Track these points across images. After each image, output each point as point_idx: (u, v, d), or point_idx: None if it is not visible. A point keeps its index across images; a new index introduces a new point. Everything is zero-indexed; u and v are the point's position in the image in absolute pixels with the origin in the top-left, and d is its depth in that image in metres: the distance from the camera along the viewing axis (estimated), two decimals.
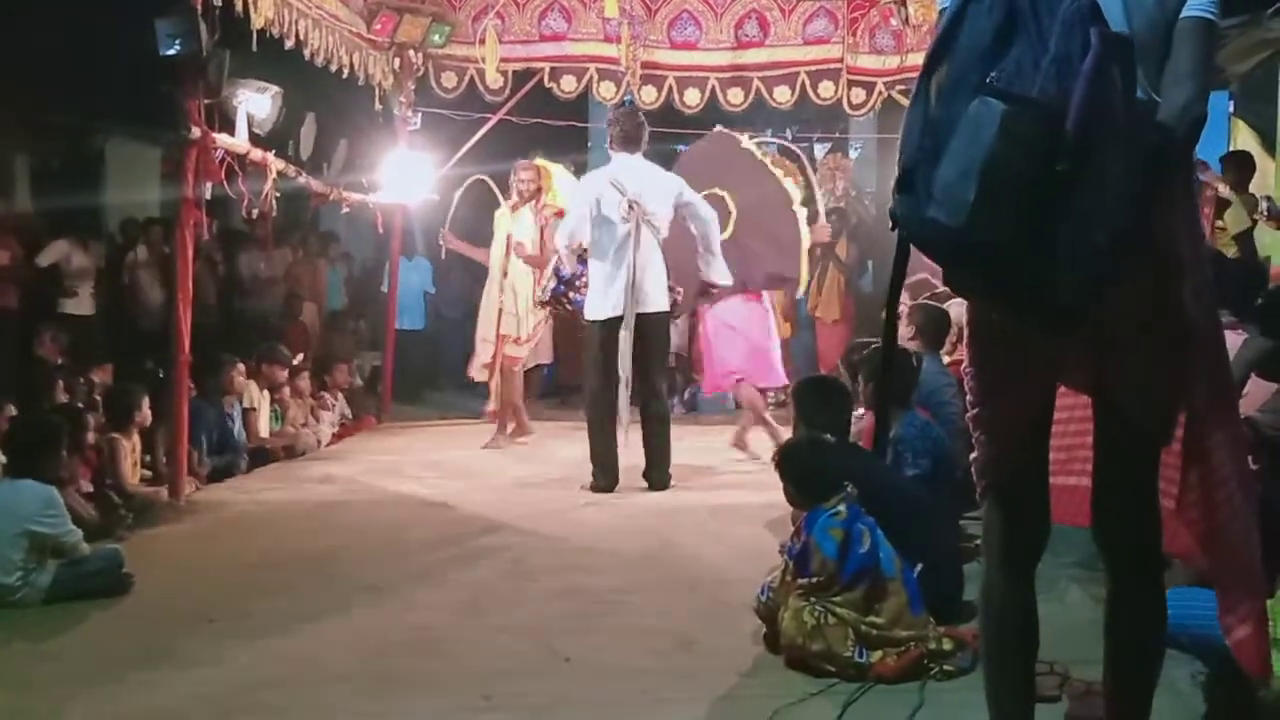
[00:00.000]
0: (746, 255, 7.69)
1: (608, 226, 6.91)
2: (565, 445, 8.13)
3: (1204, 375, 2.49)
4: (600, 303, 6.97)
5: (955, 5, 2.30)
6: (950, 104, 2.24)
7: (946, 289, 5.81)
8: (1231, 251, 7.38)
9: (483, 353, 8.51)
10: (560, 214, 7.94)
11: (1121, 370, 2.45)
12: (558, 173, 8.63)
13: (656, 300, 6.99)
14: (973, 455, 2.63)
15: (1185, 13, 2.40)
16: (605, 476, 6.98)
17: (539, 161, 8.65)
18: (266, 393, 8.19)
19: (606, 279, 6.93)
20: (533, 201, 8.30)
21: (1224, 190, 7.26)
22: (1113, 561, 2.60)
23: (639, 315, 6.87)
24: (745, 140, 8.37)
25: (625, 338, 6.83)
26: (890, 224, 2.38)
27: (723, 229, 7.43)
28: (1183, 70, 2.38)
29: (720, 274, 7.27)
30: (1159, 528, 2.54)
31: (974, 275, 2.33)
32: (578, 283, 7.17)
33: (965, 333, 2.69)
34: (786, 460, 4.24)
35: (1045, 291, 2.23)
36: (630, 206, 6.87)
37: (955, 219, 2.18)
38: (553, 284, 7.36)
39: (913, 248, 2.38)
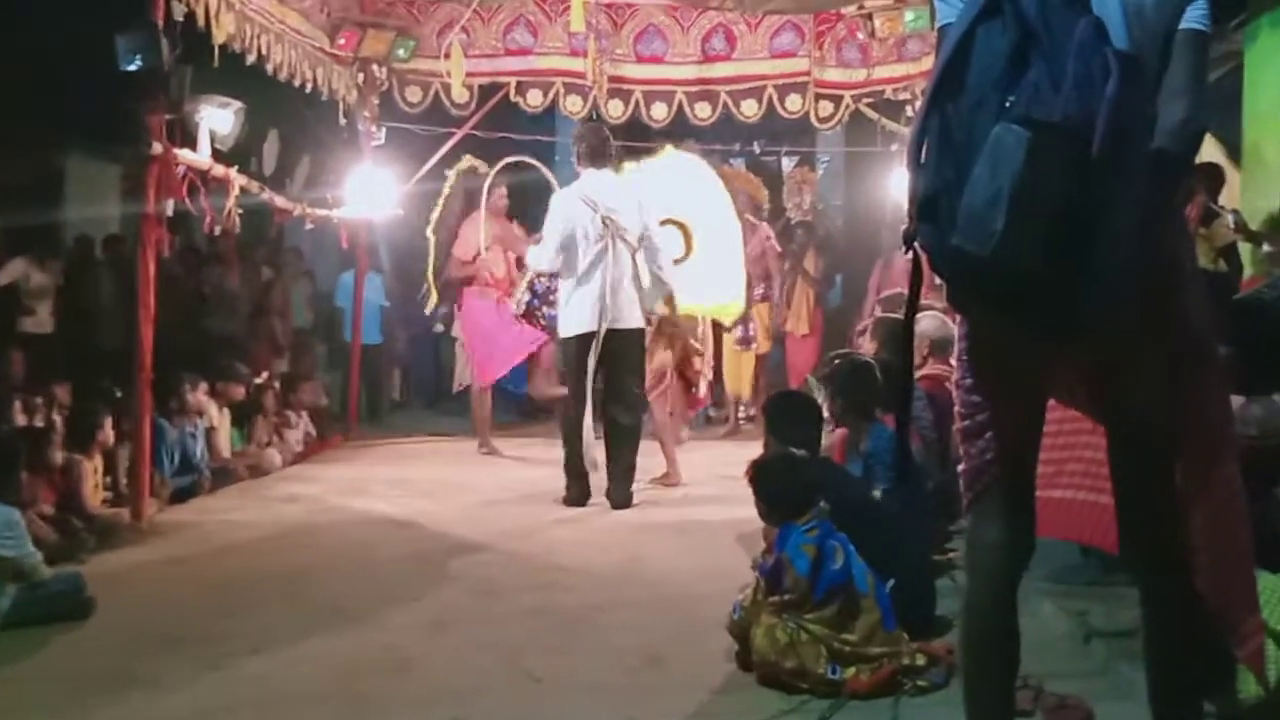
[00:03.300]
0: None
1: (581, 244, 6.89)
2: (533, 463, 8.10)
3: (1211, 388, 2.52)
4: (574, 319, 6.94)
5: (963, 24, 2.29)
6: (970, 128, 2.22)
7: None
8: (1204, 262, 7.40)
9: None
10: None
11: (1132, 383, 2.46)
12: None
13: (631, 316, 6.97)
14: (960, 467, 2.63)
15: (1183, 25, 2.42)
16: (578, 489, 6.98)
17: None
18: (227, 411, 8.11)
19: (580, 295, 6.90)
20: None
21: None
22: (1146, 582, 2.61)
23: (613, 330, 6.85)
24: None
25: (593, 354, 6.80)
26: (904, 249, 2.37)
27: None
28: (1180, 84, 2.40)
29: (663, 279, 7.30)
30: (1187, 542, 2.54)
31: (994, 299, 2.32)
32: (551, 297, 7.14)
33: (953, 348, 2.68)
34: (760, 476, 4.23)
35: (1070, 312, 2.24)
36: (605, 223, 6.86)
37: (982, 248, 2.17)
38: (527, 298, 7.37)
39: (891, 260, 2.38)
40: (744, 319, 9.88)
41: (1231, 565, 2.56)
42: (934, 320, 5.67)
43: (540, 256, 7.09)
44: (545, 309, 7.24)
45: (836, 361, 5.46)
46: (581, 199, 6.94)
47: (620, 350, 6.92)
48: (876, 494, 4.51)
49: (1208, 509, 2.52)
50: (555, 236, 6.95)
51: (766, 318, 10.42)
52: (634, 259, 6.95)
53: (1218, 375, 2.57)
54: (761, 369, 10.68)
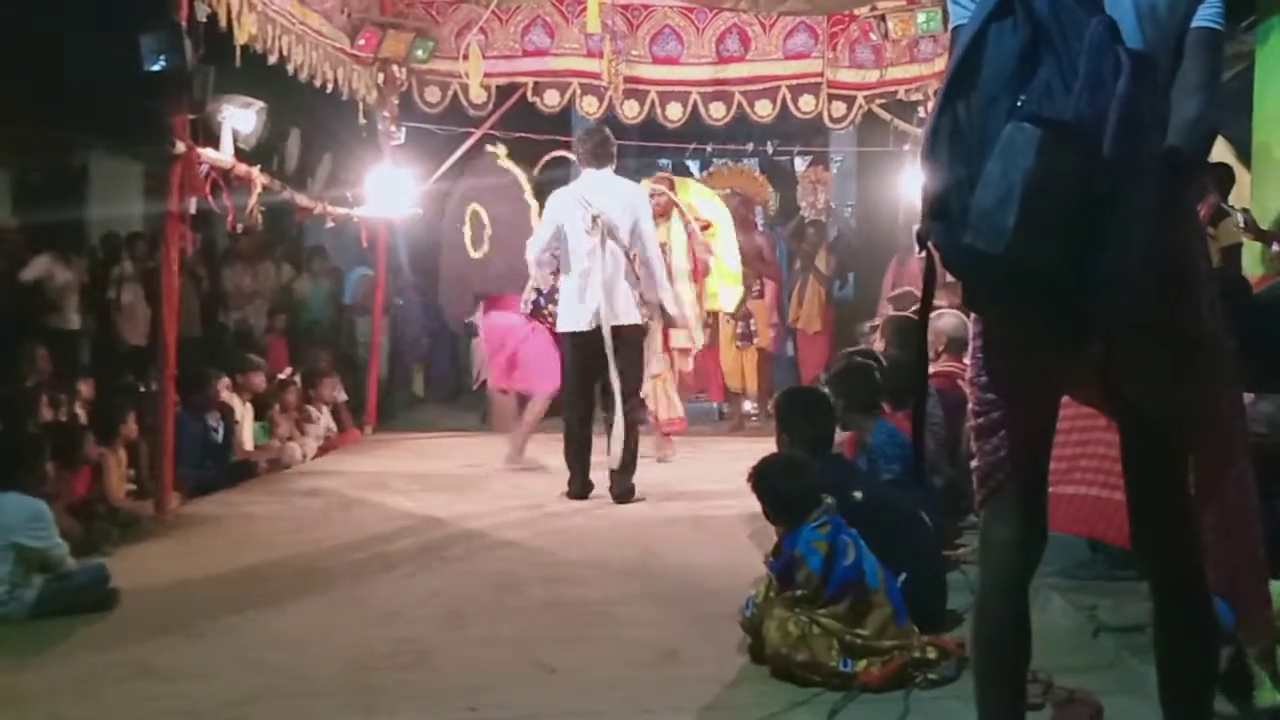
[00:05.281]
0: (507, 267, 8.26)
1: (575, 241, 6.96)
2: (548, 457, 8.13)
3: (1224, 386, 2.52)
4: (571, 317, 7.02)
5: (975, 24, 2.29)
6: (982, 127, 2.23)
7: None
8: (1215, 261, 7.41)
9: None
10: (707, 225, 8.49)
11: (1145, 381, 2.46)
12: (691, 185, 9.24)
13: (627, 313, 7.01)
14: (973, 464, 2.64)
15: (1196, 23, 2.42)
16: (579, 483, 7.04)
17: (666, 174, 9.27)
18: (249, 405, 8.19)
19: (576, 293, 6.97)
20: (675, 212, 8.54)
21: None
22: (1158, 579, 2.60)
23: (611, 327, 6.90)
24: (502, 157, 8.75)
25: (609, 348, 6.86)
26: (917, 248, 2.38)
27: (481, 243, 8.40)
28: (1194, 81, 2.39)
29: (665, 300, 7.42)
30: (1199, 539, 2.54)
31: (1008, 298, 2.32)
32: (556, 295, 7.23)
33: (968, 345, 2.69)
34: (760, 481, 4.20)
35: (1082, 310, 2.24)
36: (594, 220, 6.92)
37: (994, 246, 2.17)
38: (533, 297, 7.47)
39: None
40: (743, 316, 9.97)
41: (1242, 562, 2.57)
42: (954, 318, 5.69)
43: (532, 249, 7.25)
44: (551, 307, 7.34)
45: (839, 362, 5.50)
46: (575, 197, 7.02)
47: (617, 347, 6.94)
48: (858, 495, 4.34)
49: (1219, 506, 2.52)
50: (545, 231, 7.10)
51: (764, 315, 10.48)
52: (628, 256, 7.00)
53: (1230, 373, 2.57)
54: (767, 364, 10.72)
